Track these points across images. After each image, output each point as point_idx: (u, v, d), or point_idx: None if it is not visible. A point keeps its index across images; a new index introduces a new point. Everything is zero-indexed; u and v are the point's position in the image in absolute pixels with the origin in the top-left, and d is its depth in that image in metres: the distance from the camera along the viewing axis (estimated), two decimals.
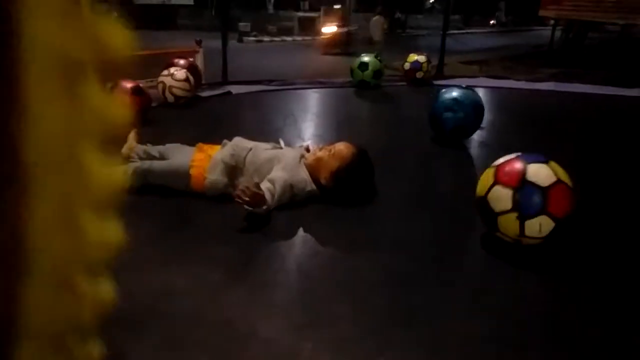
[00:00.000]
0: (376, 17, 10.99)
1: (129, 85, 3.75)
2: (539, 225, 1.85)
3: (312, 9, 18.10)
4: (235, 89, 5.38)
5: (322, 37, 12.17)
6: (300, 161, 2.41)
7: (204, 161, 2.39)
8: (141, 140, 2.89)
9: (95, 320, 0.87)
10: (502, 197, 1.89)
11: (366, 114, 5.12)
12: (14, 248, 0.67)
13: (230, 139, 2.54)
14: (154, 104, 4.07)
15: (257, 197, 2.05)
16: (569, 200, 1.89)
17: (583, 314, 1.64)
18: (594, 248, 2.11)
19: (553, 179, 1.86)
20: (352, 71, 5.79)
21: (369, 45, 10.59)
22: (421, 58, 6.03)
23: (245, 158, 2.37)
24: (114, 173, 0.80)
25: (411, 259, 1.94)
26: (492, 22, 28.78)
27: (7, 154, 0.63)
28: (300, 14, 18.80)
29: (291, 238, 2.09)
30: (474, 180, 3.00)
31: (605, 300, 1.73)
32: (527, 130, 4.22)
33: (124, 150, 2.78)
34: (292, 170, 2.33)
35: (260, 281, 1.76)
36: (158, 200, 2.34)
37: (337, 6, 14.56)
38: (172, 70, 4.33)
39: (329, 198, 2.36)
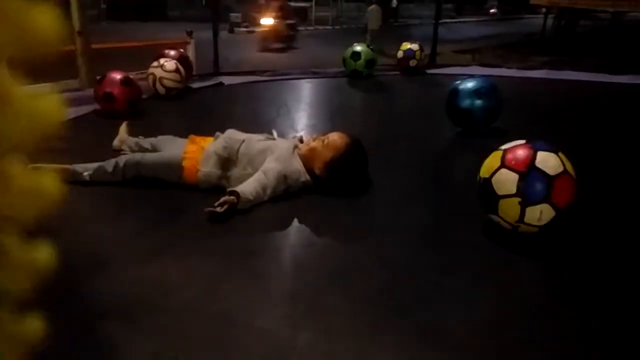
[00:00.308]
0: (372, 6, 10.91)
1: (118, 76, 3.71)
2: (540, 213, 1.85)
3: None
4: (227, 80, 5.33)
5: (260, 30, 10.53)
6: (293, 152, 2.39)
7: (196, 153, 2.36)
8: (132, 132, 2.86)
9: (31, 290, 0.80)
10: (507, 181, 1.88)
11: (359, 103, 5.10)
12: None
13: (222, 131, 2.51)
14: (144, 96, 4.03)
15: (230, 207, 2.08)
16: (572, 192, 1.88)
17: (581, 303, 1.64)
18: (590, 236, 2.11)
19: (560, 168, 1.86)
20: (344, 61, 5.75)
21: (364, 34, 10.52)
22: (414, 46, 6.01)
23: (238, 150, 2.35)
24: (44, 105, 0.72)
25: (406, 247, 1.94)
26: (492, 10, 28.80)
27: None
28: (292, 3, 18.68)
29: (286, 229, 2.07)
30: (468, 168, 2.99)
31: (604, 289, 1.73)
32: (520, 117, 4.21)
33: (115, 142, 2.75)
34: (286, 161, 2.31)
35: (255, 272, 1.74)
36: (150, 193, 2.32)
37: None
38: (162, 61, 4.28)
39: (323, 188, 2.34)
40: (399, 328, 1.47)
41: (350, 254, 1.88)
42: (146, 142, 2.66)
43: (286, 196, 2.26)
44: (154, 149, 2.58)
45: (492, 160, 1.98)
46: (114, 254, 1.82)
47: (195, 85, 4.96)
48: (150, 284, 1.64)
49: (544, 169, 1.85)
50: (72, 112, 3.76)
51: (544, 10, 13.28)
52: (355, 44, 5.78)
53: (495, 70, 6.53)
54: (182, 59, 4.63)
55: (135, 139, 2.71)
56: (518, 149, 1.94)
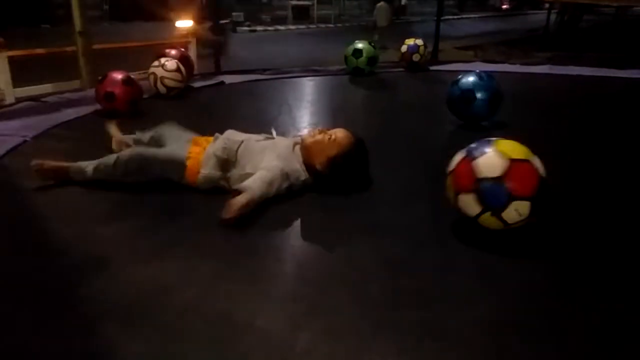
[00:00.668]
0: (380, 3, 10.89)
1: (119, 76, 3.71)
2: (516, 211, 1.82)
3: None
4: (228, 79, 5.32)
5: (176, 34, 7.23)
6: (293, 150, 2.38)
7: (200, 154, 2.35)
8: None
9: None
10: (469, 203, 1.87)
11: (361, 101, 5.08)
12: None
13: (223, 130, 2.49)
14: (145, 96, 4.02)
15: (243, 208, 2.03)
16: (531, 175, 1.83)
17: (584, 301, 1.62)
18: (591, 231, 2.09)
19: (505, 163, 1.81)
20: (346, 58, 5.73)
21: (373, 31, 10.45)
22: (419, 41, 6.01)
23: (237, 151, 2.33)
24: None
25: (407, 245, 1.92)
26: (504, 6, 28.73)
27: None
28: (294, 2, 18.67)
29: (285, 227, 2.06)
30: None
31: (607, 287, 1.71)
32: (523, 112, 4.19)
33: (114, 146, 2.73)
34: (287, 159, 2.30)
35: (255, 272, 1.73)
36: (149, 194, 2.31)
37: None
38: (163, 60, 4.27)
39: (323, 187, 2.33)
40: (400, 327, 1.46)
41: (350, 253, 1.87)
42: (145, 136, 2.64)
43: (286, 195, 2.25)
44: (157, 143, 2.56)
45: (449, 188, 1.97)
46: (114, 254, 1.81)
47: (197, 84, 4.95)
48: (150, 284, 1.63)
49: (489, 175, 1.81)
50: (73, 112, 3.77)
51: (547, 5, 13.22)
52: (356, 41, 5.76)
53: (498, 66, 6.49)
54: (183, 59, 4.62)
55: (132, 136, 2.70)
56: (458, 169, 1.92)
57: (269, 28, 16.55)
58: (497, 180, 1.80)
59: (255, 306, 1.53)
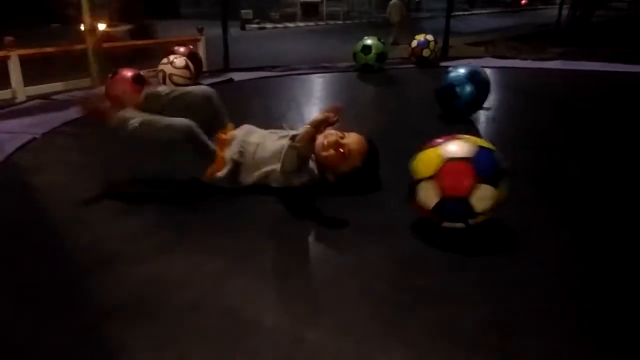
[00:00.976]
0: (394, 0, 10.83)
1: (129, 73, 3.71)
2: (480, 201, 1.77)
3: None
4: (237, 76, 5.32)
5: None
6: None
7: (222, 151, 2.33)
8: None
9: None
10: (448, 224, 1.88)
11: (370, 97, 5.05)
12: None
13: (235, 126, 2.47)
14: None
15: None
16: (461, 176, 1.78)
17: (592, 300, 1.59)
18: (601, 228, 2.05)
19: (435, 191, 1.80)
20: (355, 55, 5.71)
21: (387, 27, 10.40)
22: (429, 37, 5.98)
23: (254, 154, 2.30)
24: None
25: (415, 243, 1.89)
26: (523, 1, 28.50)
27: None
28: None
29: (293, 226, 2.04)
30: None
31: (617, 285, 1.67)
32: (535, 108, 4.14)
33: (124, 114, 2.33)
34: None
35: (262, 270, 1.72)
36: (154, 191, 2.31)
37: None
38: (171, 58, 4.28)
39: (331, 185, 2.31)
40: (410, 326, 1.43)
41: (360, 251, 1.84)
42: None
43: (293, 192, 2.24)
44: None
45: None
46: (119, 252, 1.80)
47: (205, 81, 4.95)
48: (156, 282, 1.62)
49: (427, 203, 1.83)
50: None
51: (558, 0, 13.08)
52: (365, 38, 5.73)
53: (509, 62, 6.44)
54: (191, 56, 4.63)
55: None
56: (416, 205, 1.91)
57: (278, 25, 16.55)
58: (441, 203, 1.80)
59: (263, 304, 1.52)
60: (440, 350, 1.34)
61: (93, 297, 1.56)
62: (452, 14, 7.23)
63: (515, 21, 17.20)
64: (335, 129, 2.35)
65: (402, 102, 4.59)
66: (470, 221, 1.83)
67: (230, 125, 2.47)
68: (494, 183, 1.78)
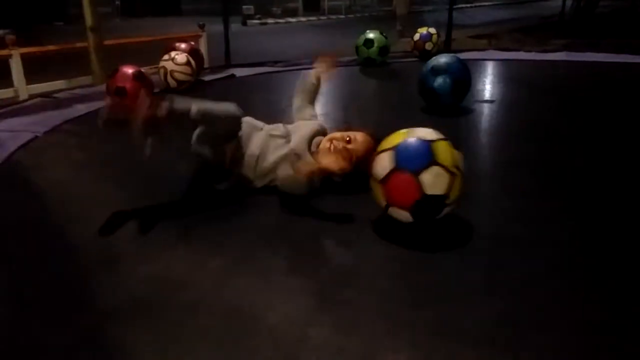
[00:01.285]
0: None
1: (130, 70, 3.70)
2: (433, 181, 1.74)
3: None
4: (239, 72, 5.30)
5: None
6: (311, 145, 2.29)
7: None
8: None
9: None
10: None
11: (373, 91, 5.03)
12: None
13: None
14: (156, 90, 4.01)
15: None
16: (400, 184, 1.77)
17: (594, 294, 1.56)
18: (606, 220, 2.03)
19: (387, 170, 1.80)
20: (357, 49, 5.67)
21: (389, 20, 10.31)
22: (431, 30, 5.95)
23: (255, 167, 2.23)
24: None
25: (418, 241, 1.87)
26: None
27: None
28: None
29: (294, 223, 2.02)
30: (480, 157, 2.93)
31: (619, 277, 1.65)
32: (539, 100, 4.10)
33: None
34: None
35: (263, 268, 1.70)
36: (157, 190, 2.29)
37: None
38: (172, 54, 4.26)
39: (334, 183, 2.28)
40: (413, 322, 1.42)
41: (361, 247, 1.83)
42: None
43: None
44: None
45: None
46: (120, 251, 1.79)
47: (207, 78, 4.94)
48: (157, 282, 1.61)
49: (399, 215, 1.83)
50: (84, 107, 3.78)
51: None
52: (367, 31, 5.69)
53: (512, 54, 6.38)
54: (193, 52, 4.61)
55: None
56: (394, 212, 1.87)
57: (280, 20, 16.49)
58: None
59: (266, 301, 1.50)
60: (446, 349, 1.32)
61: (94, 296, 1.56)
62: (455, 6, 7.17)
63: (518, 13, 17.07)
64: (341, 130, 2.28)
65: (405, 95, 4.56)
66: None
67: None
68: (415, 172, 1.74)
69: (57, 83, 4.78)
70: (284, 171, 2.15)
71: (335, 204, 2.17)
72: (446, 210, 1.82)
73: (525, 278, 1.63)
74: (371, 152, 2.20)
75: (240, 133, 2.26)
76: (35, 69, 4.67)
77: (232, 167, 2.22)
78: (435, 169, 1.74)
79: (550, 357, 1.30)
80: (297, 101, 2.62)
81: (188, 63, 4.27)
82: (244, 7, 15.60)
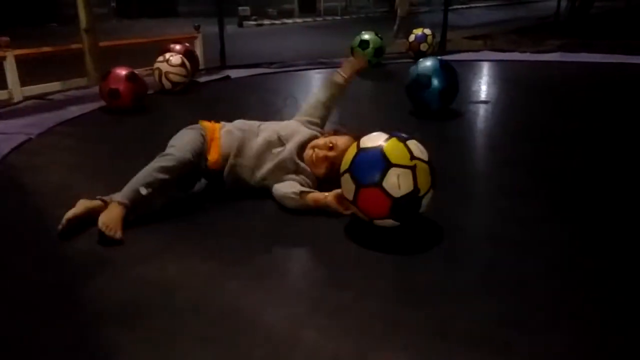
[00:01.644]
0: None
1: (123, 72, 3.68)
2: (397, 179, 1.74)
3: None
4: (234, 73, 5.29)
5: None
6: (304, 150, 2.25)
7: (215, 133, 2.26)
8: (136, 128, 2.77)
9: None
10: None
11: (368, 93, 5.02)
12: None
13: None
14: (150, 92, 4.00)
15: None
16: (372, 200, 1.78)
17: (592, 294, 1.56)
18: (602, 220, 2.03)
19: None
20: (352, 50, 5.67)
21: (387, 21, 10.29)
22: (427, 31, 5.96)
23: (250, 177, 2.21)
24: None
25: (414, 239, 1.87)
26: None
27: None
28: None
29: (288, 226, 2.01)
30: (481, 157, 2.93)
31: (623, 282, 1.65)
32: (534, 101, 4.11)
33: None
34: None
35: (258, 270, 1.69)
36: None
37: None
38: (167, 55, 4.25)
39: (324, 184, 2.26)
40: (408, 324, 1.41)
41: (356, 249, 1.82)
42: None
43: None
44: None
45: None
46: (115, 254, 1.78)
47: (202, 79, 4.93)
48: (152, 285, 1.60)
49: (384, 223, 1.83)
50: (78, 109, 3.76)
51: None
52: (363, 32, 5.69)
53: (507, 55, 6.40)
54: (187, 53, 4.60)
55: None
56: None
57: (276, 22, 16.49)
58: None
59: (259, 304, 1.49)
60: (442, 350, 1.31)
61: (87, 299, 1.54)
62: (450, 7, 7.18)
63: (514, 14, 17.12)
64: (328, 132, 2.31)
65: (400, 96, 4.56)
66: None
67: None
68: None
69: (51, 85, 4.76)
70: (277, 178, 2.16)
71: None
72: (426, 200, 1.81)
73: (521, 278, 1.63)
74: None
75: (239, 135, 2.24)
76: (30, 71, 4.66)
77: (228, 174, 2.20)
78: (393, 172, 1.73)
79: (546, 357, 1.29)
80: (316, 98, 2.45)
81: (183, 64, 4.26)
82: (240, 8, 15.60)
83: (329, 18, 18.22)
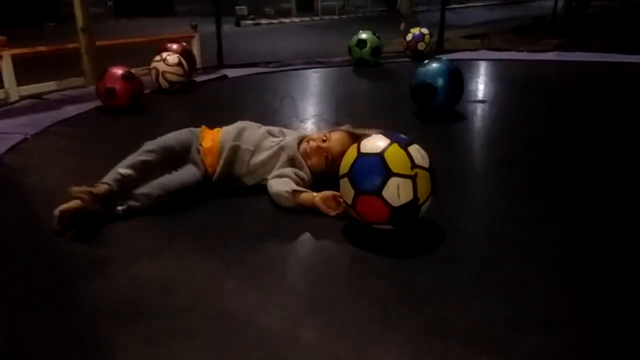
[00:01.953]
0: None
1: (119, 71, 3.67)
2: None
3: None
4: (231, 73, 5.28)
5: None
6: (299, 150, 2.29)
7: (215, 136, 2.33)
8: (136, 128, 2.76)
9: None
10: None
11: (365, 92, 5.02)
12: None
13: (228, 124, 2.41)
14: (147, 91, 3.99)
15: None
16: (370, 208, 1.78)
17: (589, 294, 1.56)
18: (599, 219, 2.03)
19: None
20: (350, 49, 5.67)
21: (390, 19, 10.22)
22: (424, 30, 5.95)
23: (248, 163, 2.26)
24: None
25: (410, 239, 1.86)
26: None
27: None
28: None
29: (286, 224, 2.00)
30: (478, 157, 2.93)
31: (620, 286, 1.64)
32: (531, 100, 4.11)
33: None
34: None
35: (254, 270, 1.69)
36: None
37: None
38: (164, 55, 4.24)
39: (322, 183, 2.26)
40: (404, 323, 1.41)
41: (353, 250, 1.81)
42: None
43: None
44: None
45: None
46: (111, 254, 1.77)
47: (199, 78, 4.92)
48: (148, 284, 1.59)
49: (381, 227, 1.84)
50: (75, 109, 3.74)
51: None
52: (360, 32, 5.68)
53: (504, 54, 6.40)
54: (184, 53, 4.58)
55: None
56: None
57: (273, 21, 16.47)
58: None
59: (256, 304, 1.49)
60: (441, 350, 1.31)
61: (85, 298, 1.54)
62: (447, 6, 7.18)
63: (510, 13, 17.14)
64: (322, 130, 2.37)
65: (397, 95, 4.55)
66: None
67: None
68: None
69: (48, 84, 4.74)
70: (274, 166, 2.23)
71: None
72: (424, 208, 1.80)
73: (520, 278, 1.63)
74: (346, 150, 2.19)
75: (240, 125, 2.36)
76: (26, 70, 4.63)
77: (224, 163, 2.25)
78: (393, 181, 1.71)
79: (546, 357, 1.29)
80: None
81: (180, 64, 4.24)
82: (237, 7, 15.56)
83: (327, 17, 18.19)
